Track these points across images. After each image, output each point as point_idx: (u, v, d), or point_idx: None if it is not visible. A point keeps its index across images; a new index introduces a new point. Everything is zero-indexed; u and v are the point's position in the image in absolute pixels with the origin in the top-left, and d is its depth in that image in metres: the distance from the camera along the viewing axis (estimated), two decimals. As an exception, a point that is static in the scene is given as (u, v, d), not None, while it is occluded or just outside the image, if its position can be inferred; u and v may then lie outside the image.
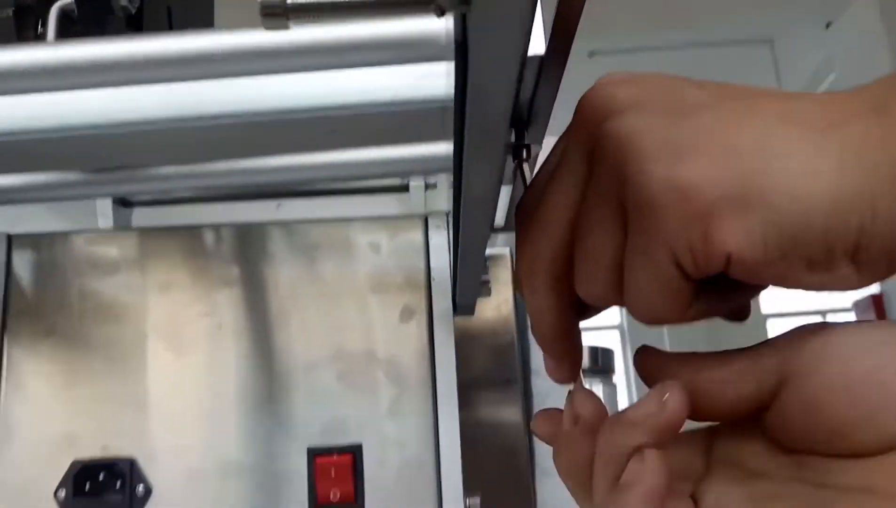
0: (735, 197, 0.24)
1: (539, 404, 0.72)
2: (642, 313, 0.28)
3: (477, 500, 0.55)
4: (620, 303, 0.29)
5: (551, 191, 0.29)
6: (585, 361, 0.56)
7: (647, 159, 0.25)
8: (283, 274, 0.60)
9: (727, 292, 0.28)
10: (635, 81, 0.29)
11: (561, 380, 0.32)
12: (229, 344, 0.58)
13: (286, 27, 0.22)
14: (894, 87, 0.26)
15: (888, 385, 0.24)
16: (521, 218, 0.31)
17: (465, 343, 0.65)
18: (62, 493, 0.55)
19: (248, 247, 0.61)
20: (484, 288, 0.63)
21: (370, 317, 0.60)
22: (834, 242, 0.24)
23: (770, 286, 0.28)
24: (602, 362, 1.33)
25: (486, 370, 0.72)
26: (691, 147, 0.25)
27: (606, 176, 0.27)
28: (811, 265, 0.25)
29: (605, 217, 0.27)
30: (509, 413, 0.71)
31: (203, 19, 0.69)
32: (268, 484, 0.56)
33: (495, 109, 0.26)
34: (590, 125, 0.28)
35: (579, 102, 0.29)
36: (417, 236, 0.62)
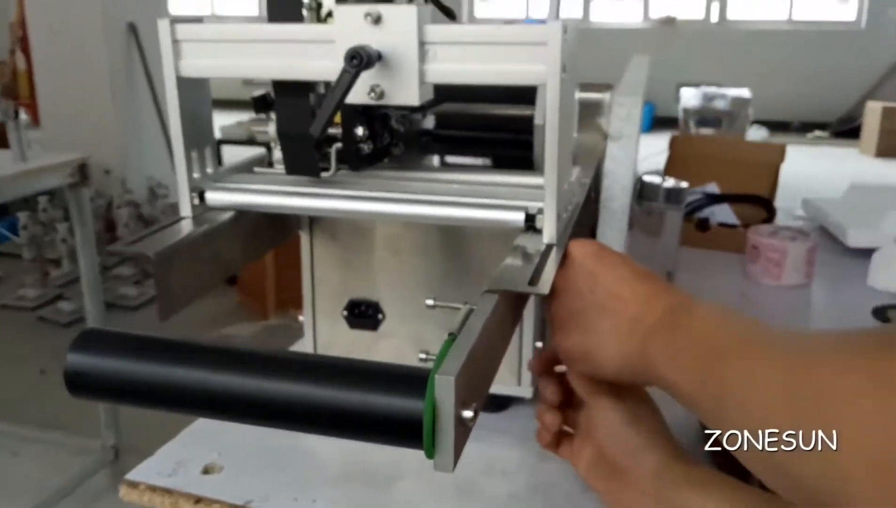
0: (581, 358, 0.59)
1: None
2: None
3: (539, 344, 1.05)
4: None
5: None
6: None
7: (556, 330, 0.61)
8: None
9: None
10: (574, 269, 0.59)
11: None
12: (426, 252, 0.85)
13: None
14: (665, 322, 0.53)
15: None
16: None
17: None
18: (345, 313, 1.08)
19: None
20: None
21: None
22: (619, 379, 0.58)
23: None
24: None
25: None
26: (571, 329, 0.59)
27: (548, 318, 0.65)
28: (610, 380, 0.60)
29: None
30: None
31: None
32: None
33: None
34: (551, 295, 0.59)
35: (565, 262, 0.60)
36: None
